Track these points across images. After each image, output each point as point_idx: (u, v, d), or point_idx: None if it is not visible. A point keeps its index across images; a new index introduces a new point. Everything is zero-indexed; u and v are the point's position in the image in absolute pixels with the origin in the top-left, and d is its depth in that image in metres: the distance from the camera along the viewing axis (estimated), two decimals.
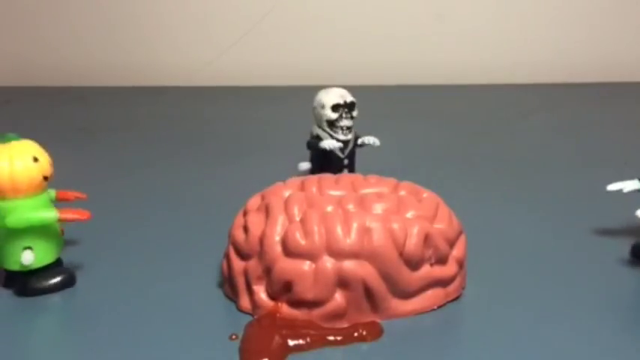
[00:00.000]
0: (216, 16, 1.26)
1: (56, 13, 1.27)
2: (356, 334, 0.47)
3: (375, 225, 0.47)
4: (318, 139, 0.66)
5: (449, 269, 0.51)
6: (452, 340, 0.48)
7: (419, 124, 1.01)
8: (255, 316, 0.49)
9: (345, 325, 0.48)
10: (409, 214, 0.49)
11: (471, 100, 1.15)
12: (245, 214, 0.52)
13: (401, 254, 0.48)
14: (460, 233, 0.52)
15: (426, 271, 0.49)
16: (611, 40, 1.25)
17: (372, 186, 0.52)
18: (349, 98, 0.66)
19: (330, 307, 0.47)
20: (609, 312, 0.50)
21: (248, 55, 1.26)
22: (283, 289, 0.48)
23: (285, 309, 0.48)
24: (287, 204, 0.49)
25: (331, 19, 1.25)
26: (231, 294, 0.51)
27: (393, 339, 0.47)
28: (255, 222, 0.50)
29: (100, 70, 1.27)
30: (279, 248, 0.48)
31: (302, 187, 0.52)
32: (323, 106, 0.65)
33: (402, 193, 0.52)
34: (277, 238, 0.48)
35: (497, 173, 0.80)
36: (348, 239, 0.47)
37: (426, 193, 0.52)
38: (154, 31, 1.27)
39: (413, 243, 0.48)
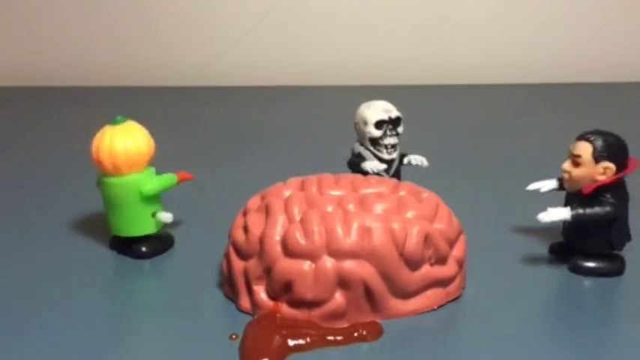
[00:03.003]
0: (216, 17, 1.26)
1: (55, 13, 1.27)
2: (356, 334, 0.47)
3: (375, 225, 0.47)
4: (360, 157, 0.60)
5: (449, 269, 0.51)
6: (452, 340, 0.48)
7: (419, 124, 1.01)
8: (255, 316, 0.49)
9: (345, 325, 0.48)
10: (409, 214, 0.49)
11: (471, 100, 1.15)
12: (245, 214, 0.52)
13: (401, 254, 0.48)
14: (460, 233, 0.52)
15: (426, 271, 0.49)
16: (611, 41, 1.25)
17: (372, 186, 0.52)
18: (394, 113, 0.59)
19: (330, 307, 0.47)
20: (615, 312, 0.50)
21: (248, 55, 1.26)
22: (283, 289, 0.48)
23: (285, 309, 0.48)
24: (287, 204, 0.50)
25: (332, 19, 1.25)
26: (231, 294, 0.51)
27: (393, 339, 0.47)
28: (255, 222, 0.50)
29: (100, 70, 1.27)
30: (279, 248, 0.48)
31: (302, 187, 0.52)
32: (366, 123, 0.58)
33: (402, 193, 0.52)
34: (277, 238, 0.48)
35: (497, 173, 0.80)
36: (348, 239, 0.47)
37: (426, 193, 0.52)
38: (155, 31, 1.27)
39: (413, 243, 0.48)
